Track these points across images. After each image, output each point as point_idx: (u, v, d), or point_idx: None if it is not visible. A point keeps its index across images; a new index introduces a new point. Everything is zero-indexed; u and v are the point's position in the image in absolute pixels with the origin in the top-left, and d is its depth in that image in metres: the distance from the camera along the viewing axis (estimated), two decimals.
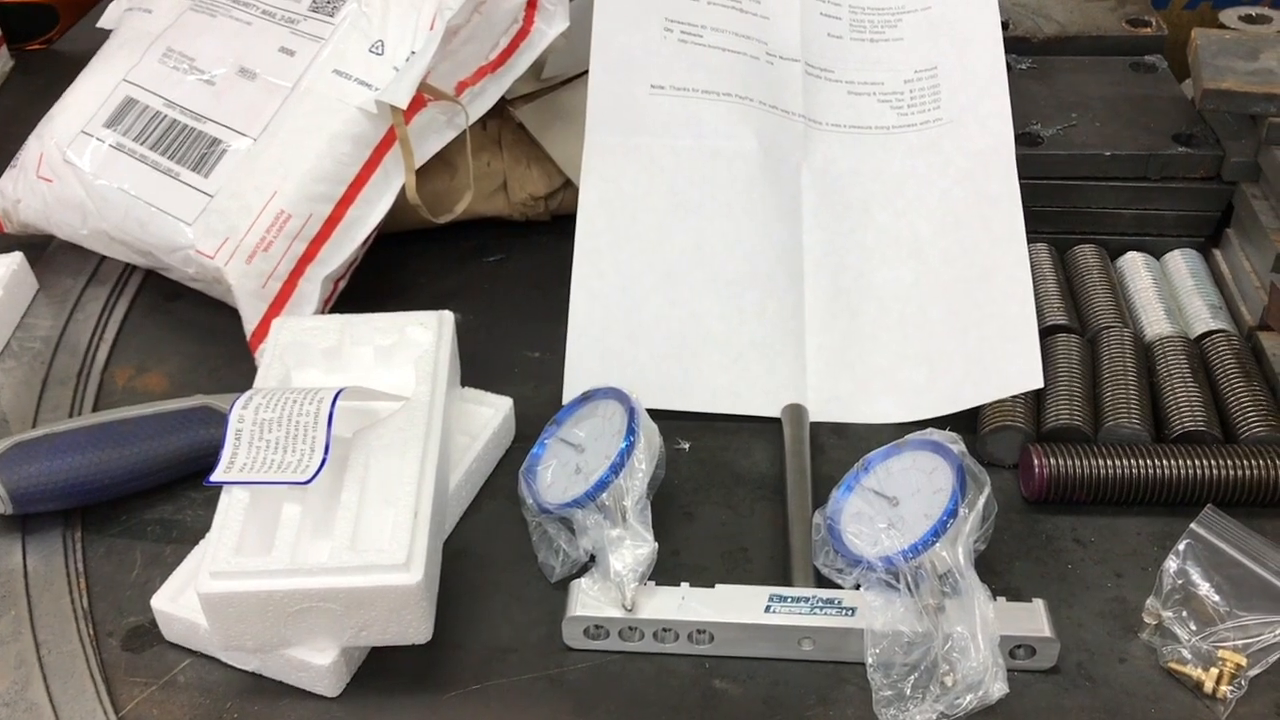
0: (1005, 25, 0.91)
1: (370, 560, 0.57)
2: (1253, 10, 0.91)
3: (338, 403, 0.62)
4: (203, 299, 0.83)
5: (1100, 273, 0.81)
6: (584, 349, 0.76)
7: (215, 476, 0.60)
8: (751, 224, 0.80)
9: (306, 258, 0.77)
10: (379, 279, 0.86)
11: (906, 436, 0.66)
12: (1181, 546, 0.61)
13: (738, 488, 0.71)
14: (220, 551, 0.57)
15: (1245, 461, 0.67)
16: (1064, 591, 0.64)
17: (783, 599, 0.61)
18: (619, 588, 0.61)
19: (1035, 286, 0.77)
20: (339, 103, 0.78)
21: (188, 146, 0.80)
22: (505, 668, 0.61)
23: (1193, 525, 0.61)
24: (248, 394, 0.63)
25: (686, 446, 0.74)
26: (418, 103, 0.78)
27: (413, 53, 0.78)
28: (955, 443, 0.64)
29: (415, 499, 0.60)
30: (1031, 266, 0.77)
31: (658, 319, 0.77)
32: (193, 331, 0.84)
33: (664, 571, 0.64)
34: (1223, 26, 0.89)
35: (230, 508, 0.60)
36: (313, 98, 0.79)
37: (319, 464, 0.59)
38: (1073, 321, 0.77)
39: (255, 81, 0.80)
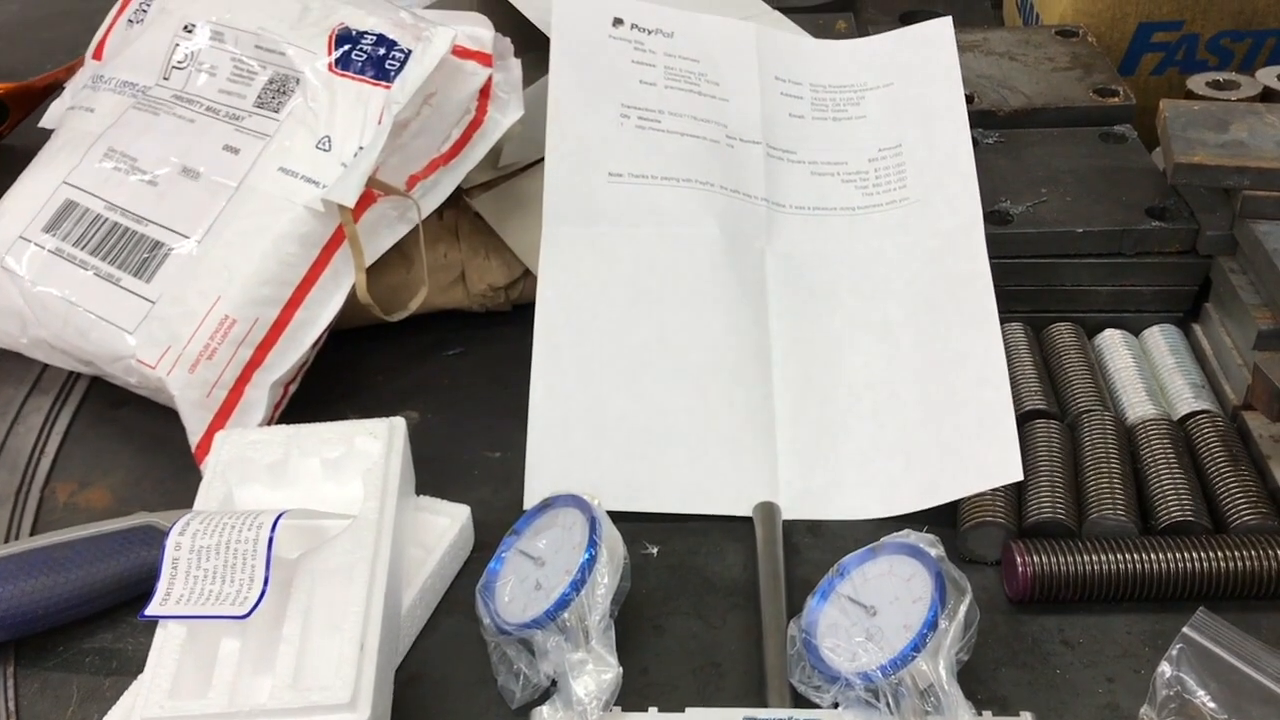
0: (970, 99, 0.89)
1: (314, 700, 0.53)
2: (1220, 76, 0.90)
3: (279, 525, 0.58)
4: (150, 405, 0.80)
5: (1078, 352, 0.78)
6: (545, 450, 0.73)
7: (150, 610, 0.57)
8: (716, 312, 0.77)
9: (253, 364, 0.74)
10: (333, 379, 0.83)
11: (882, 539, 0.63)
12: (1174, 652, 0.58)
13: (709, 595, 0.68)
14: (153, 695, 0.54)
15: (1237, 553, 0.64)
16: (1054, 700, 0.61)
17: None
18: (582, 717, 0.57)
19: (1012, 369, 0.75)
20: (285, 201, 0.75)
21: (129, 250, 0.77)
22: None
23: (1185, 629, 0.58)
24: (185, 518, 0.60)
25: (654, 551, 0.71)
26: (367, 199, 0.76)
27: (360, 148, 0.76)
28: (934, 545, 0.60)
29: (362, 629, 0.56)
30: (1007, 347, 0.75)
31: (622, 416, 0.74)
32: (139, 441, 0.80)
33: (632, 692, 0.60)
34: (1190, 94, 0.88)
35: (165, 644, 0.56)
36: (257, 197, 0.76)
37: (258, 596, 0.55)
38: (1051, 405, 0.74)
39: (199, 181, 0.78)
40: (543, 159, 0.80)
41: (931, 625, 0.57)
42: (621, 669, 0.59)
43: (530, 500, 0.71)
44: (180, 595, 0.57)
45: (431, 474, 0.73)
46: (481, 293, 0.88)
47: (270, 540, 0.57)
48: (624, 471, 0.73)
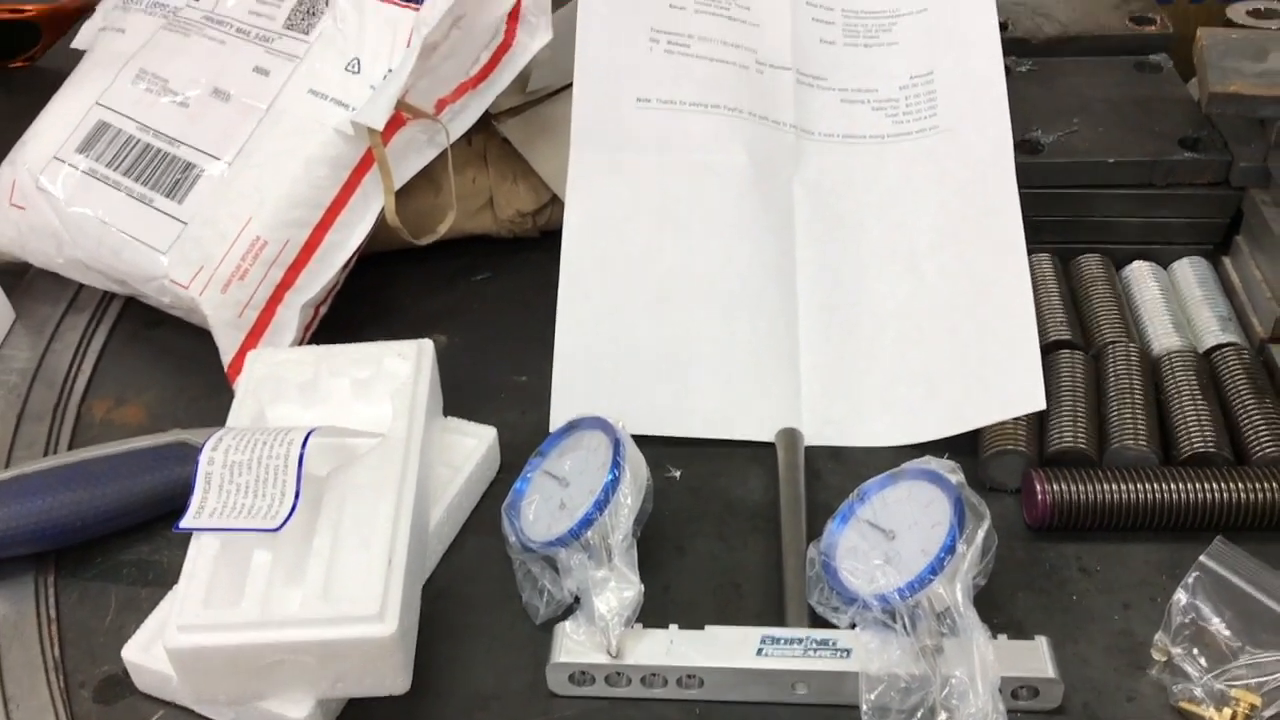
0: (1004, 26, 0.88)
1: (343, 611, 0.55)
2: (1261, 4, 0.88)
3: (310, 442, 0.59)
4: (184, 325, 0.81)
5: (1105, 284, 0.78)
6: (571, 374, 0.74)
7: (184, 523, 0.58)
8: (742, 240, 0.77)
9: (284, 285, 0.75)
10: (362, 302, 0.84)
11: (903, 465, 0.63)
12: (1190, 580, 0.59)
13: (730, 518, 0.69)
14: (188, 604, 0.55)
15: (1257, 485, 0.64)
16: (1069, 625, 0.62)
17: (775, 641, 0.59)
18: (604, 633, 0.58)
19: (1038, 299, 0.75)
20: (315, 124, 0.76)
21: (162, 172, 0.77)
22: (488, 716, 0.59)
23: (1201, 558, 0.59)
24: (218, 434, 0.61)
25: (677, 474, 0.71)
26: (396, 122, 0.76)
27: (390, 70, 0.76)
28: (954, 473, 0.61)
29: (390, 545, 0.58)
30: (1034, 278, 0.75)
31: (646, 342, 0.75)
32: (173, 360, 0.82)
33: (654, 609, 0.61)
34: (1230, 22, 0.87)
35: (199, 555, 0.58)
36: (288, 119, 0.76)
37: (289, 511, 0.57)
38: (1076, 336, 0.74)
39: (230, 103, 0.78)
40: (571, 85, 0.80)
41: (949, 549, 0.58)
42: (643, 586, 0.60)
43: (556, 423, 0.72)
44: (214, 508, 0.58)
45: (459, 397, 0.73)
46: (509, 218, 0.88)
47: (301, 456, 0.58)
48: (648, 396, 0.74)
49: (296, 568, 0.58)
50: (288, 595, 0.57)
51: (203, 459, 0.59)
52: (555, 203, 0.87)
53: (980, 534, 0.59)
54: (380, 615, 0.55)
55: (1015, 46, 0.88)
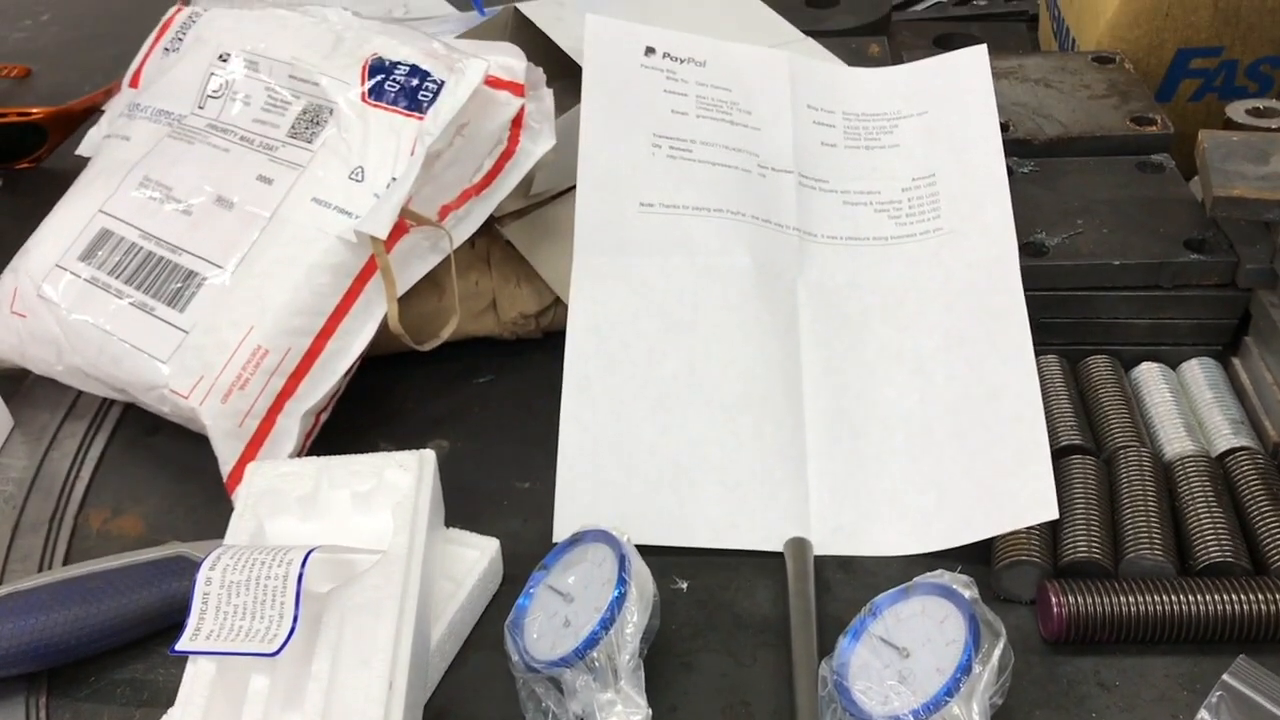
0: (1005, 127, 0.88)
1: None
2: (1260, 103, 0.88)
3: (309, 561, 0.58)
4: (183, 431, 0.80)
5: (1115, 386, 0.77)
6: (574, 482, 0.73)
7: (180, 645, 0.57)
8: (747, 343, 0.77)
9: (285, 394, 0.74)
10: (365, 406, 0.83)
11: (915, 579, 0.62)
12: (1214, 699, 0.57)
13: (739, 632, 0.67)
14: None
15: (1278, 596, 0.63)
16: None
17: None
18: None
19: (1047, 403, 0.74)
20: (318, 232, 0.76)
21: (163, 280, 0.77)
22: None
23: (1225, 677, 0.57)
24: (216, 553, 0.60)
25: (684, 586, 0.70)
26: (399, 229, 0.76)
27: (393, 179, 0.76)
28: (968, 588, 0.60)
29: (390, 667, 0.56)
30: (1042, 381, 0.74)
31: (651, 448, 0.74)
32: (172, 468, 0.81)
33: None
34: (1230, 122, 0.87)
35: (195, 680, 0.56)
36: (290, 227, 0.76)
37: (287, 634, 0.55)
38: (1087, 441, 0.73)
39: (233, 211, 0.78)
40: (574, 188, 0.80)
41: (965, 669, 0.56)
42: (650, 711, 0.58)
43: (560, 533, 0.71)
44: (210, 631, 0.57)
45: (461, 504, 0.72)
46: (513, 320, 0.88)
47: (300, 577, 0.57)
48: (654, 504, 0.73)
49: (295, 692, 0.56)
50: None
51: (200, 579, 0.58)
52: (558, 304, 0.87)
53: (997, 652, 0.57)
54: None
55: (1017, 148, 0.88)
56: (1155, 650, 0.64)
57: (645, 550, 0.65)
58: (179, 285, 0.76)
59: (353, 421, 0.82)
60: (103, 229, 0.81)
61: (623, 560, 0.62)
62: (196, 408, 0.73)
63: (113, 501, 0.78)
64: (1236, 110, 0.88)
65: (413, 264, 0.78)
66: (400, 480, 0.67)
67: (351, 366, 0.77)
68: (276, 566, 0.58)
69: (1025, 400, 0.72)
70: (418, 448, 0.69)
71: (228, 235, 0.77)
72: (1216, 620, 0.63)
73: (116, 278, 0.78)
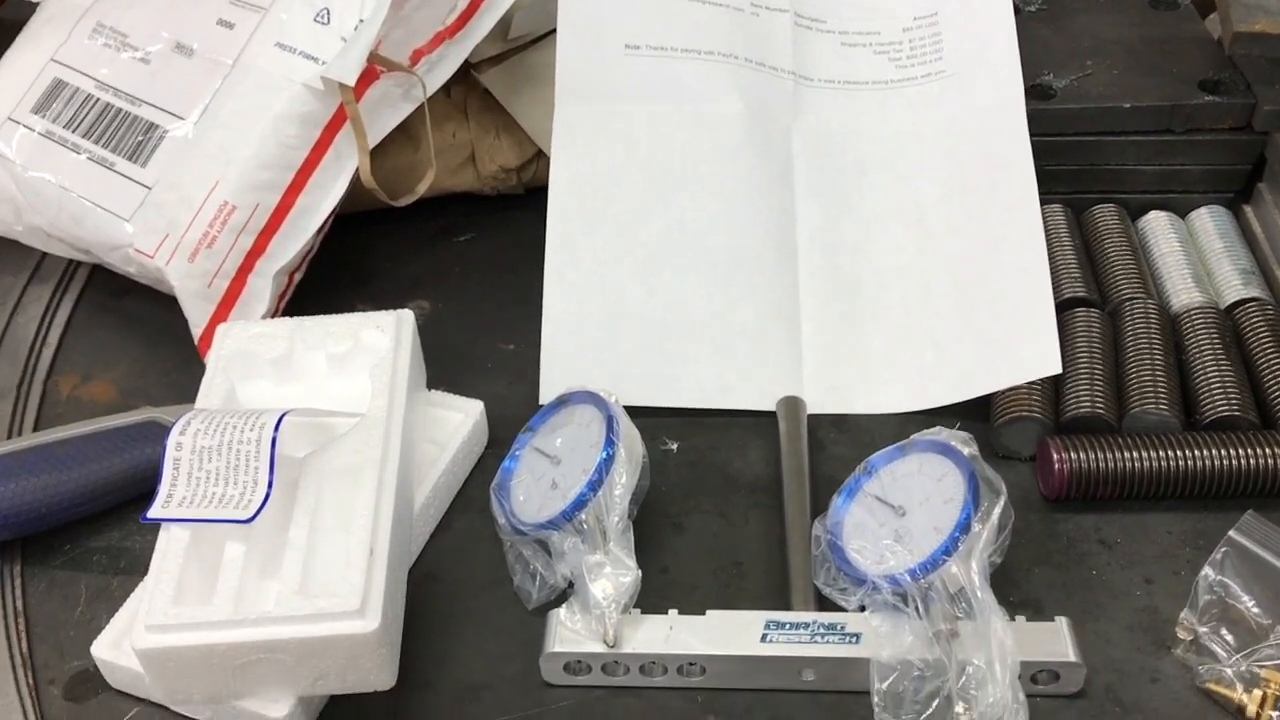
0: None
1: (321, 607, 0.51)
2: None
3: (284, 425, 0.56)
4: (153, 293, 0.77)
5: (1121, 236, 0.74)
6: (560, 344, 0.70)
7: (151, 513, 0.54)
8: (738, 196, 0.73)
9: (255, 252, 0.71)
10: (339, 267, 0.80)
11: (913, 436, 0.60)
12: (1219, 555, 0.56)
13: (730, 493, 0.66)
14: (156, 602, 0.52)
15: None
16: (1089, 602, 0.59)
17: (780, 626, 0.56)
18: (600, 620, 0.55)
19: (1051, 254, 0.71)
20: (283, 79, 0.71)
21: (122, 133, 0.73)
22: (479, 709, 0.56)
23: (1231, 533, 0.56)
24: (186, 417, 0.57)
25: (674, 447, 0.68)
26: (369, 76, 0.72)
27: (361, 21, 0.71)
28: (967, 445, 0.58)
29: (371, 533, 0.54)
30: (1046, 231, 0.71)
31: (639, 307, 0.71)
32: (143, 331, 0.78)
33: (652, 593, 0.58)
34: None
35: (168, 549, 0.54)
36: (254, 74, 0.72)
37: (262, 500, 0.53)
38: (1092, 293, 0.71)
39: (193, 59, 0.74)
40: (555, 30, 0.76)
41: (964, 528, 0.55)
42: (640, 572, 0.57)
43: (546, 395, 0.69)
44: (183, 498, 0.54)
45: (443, 367, 0.70)
46: (492, 174, 0.84)
47: (273, 441, 0.55)
48: (642, 365, 0.70)
49: (272, 560, 0.55)
50: (263, 590, 0.54)
51: (170, 445, 0.56)
52: (540, 157, 0.83)
53: (996, 510, 0.55)
54: (361, 611, 0.51)
55: None
56: (1158, 507, 0.63)
57: (634, 411, 0.62)
58: (139, 138, 0.72)
59: (327, 282, 0.79)
60: (56, 79, 0.76)
61: (610, 421, 0.60)
62: (163, 267, 0.70)
63: (82, 366, 0.76)
64: None
65: (384, 113, 0.74)
66: (378, 341, 0.64)
67: (324, 224, 0.74)
68: (249, 430, 0.55)
69: (1029, 251, 0.69)
70: (396, 309, 0.66)
71: (189, 84, 0.73)
72: (1222, 475, 0.61)
73: (73, 131, 0.74)
